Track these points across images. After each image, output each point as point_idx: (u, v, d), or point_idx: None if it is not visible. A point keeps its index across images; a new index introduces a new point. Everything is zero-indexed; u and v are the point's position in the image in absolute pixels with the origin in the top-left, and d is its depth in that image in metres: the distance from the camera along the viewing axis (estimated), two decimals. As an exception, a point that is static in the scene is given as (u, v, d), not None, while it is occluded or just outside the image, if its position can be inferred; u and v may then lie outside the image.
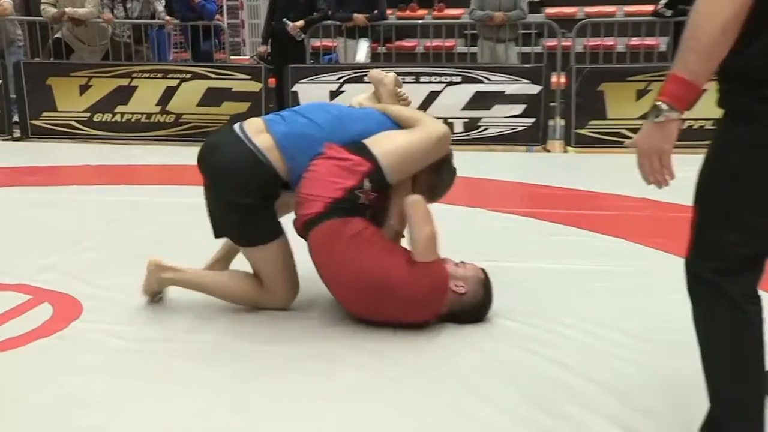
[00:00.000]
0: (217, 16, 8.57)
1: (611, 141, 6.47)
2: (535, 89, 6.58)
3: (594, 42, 7.49)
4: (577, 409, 2.03)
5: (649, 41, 7.47)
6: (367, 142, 2.59)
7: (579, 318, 2.64)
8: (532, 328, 2.56)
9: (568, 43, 7.46)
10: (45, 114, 7.14)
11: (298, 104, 6.82)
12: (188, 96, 6.97)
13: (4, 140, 7.14)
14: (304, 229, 2.53)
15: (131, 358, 2.36)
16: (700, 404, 1.69)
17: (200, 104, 6.96)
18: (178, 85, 6.99)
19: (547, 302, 2.79)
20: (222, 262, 2.85)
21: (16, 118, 7.29)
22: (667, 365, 2.29)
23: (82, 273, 3.12)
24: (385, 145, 2.57)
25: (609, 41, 7.56)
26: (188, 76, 6.98)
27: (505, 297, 2.72)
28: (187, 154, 6.35)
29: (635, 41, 7.54)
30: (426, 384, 2.17)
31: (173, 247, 3.45)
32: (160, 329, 2.58)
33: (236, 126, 2.66)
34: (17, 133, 7.26)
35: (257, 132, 2.57)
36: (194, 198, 4.36)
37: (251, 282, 2.66)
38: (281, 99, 7.20)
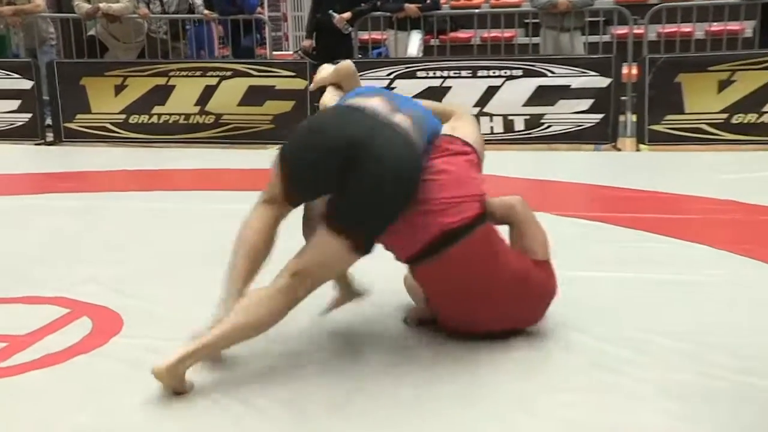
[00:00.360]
0: (258, 9, 8.69)
1: (690, 138, 6.36)
2: (604, 82, 6.50)
3: (669, 29, 7.36)
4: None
5: (733, 26, 7.31)
6: (452, 131, 2.63)
7: (659, 332, 2.59)
8: (609, 344, 2.51)
9: (641, 31, 7.34)
10: (79, 116, 7.33)
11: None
12: (229, 95, 7.08)
13: (36, 144, 7.35)
14: (448, 238, 2.38)
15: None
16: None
17: (241, 104, 7.06)
18: (218, 83, 7.10)
19: (624, 314, 2.75)
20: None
21: (48, 121, 7.51)
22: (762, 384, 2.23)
23: (121, 285, 3.18)
24: (468, 134, 2.64)
25: (686, 27, 7.42)
26: (229, 73, 7.09)
27: (578, 310, 2.69)
28: (228, 157, 6.62)
29: (717, 27, 7.37)
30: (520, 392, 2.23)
31: (213, 257, 3.51)
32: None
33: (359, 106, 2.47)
34: (50, 137, 7.47)
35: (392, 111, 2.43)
36: (236, 204, 4.46)
37: (273, 294, 2.31)
38: (327, 97, 7.24)
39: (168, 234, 4.02)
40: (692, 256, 3.46)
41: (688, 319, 2.72)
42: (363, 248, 2.33)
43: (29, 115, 7.40)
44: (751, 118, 6.24)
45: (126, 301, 2.99)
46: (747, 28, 7.54)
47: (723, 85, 6.27)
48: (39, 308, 2.93)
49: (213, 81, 7.11)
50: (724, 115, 6.29)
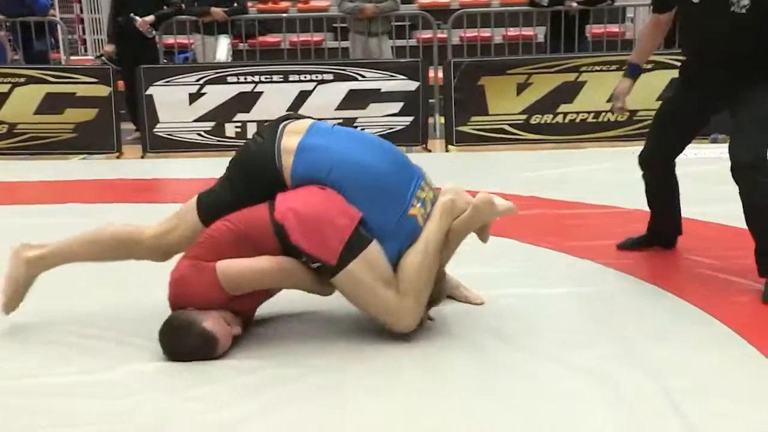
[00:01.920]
0: (50, 11, 8.30)
1: (494, 138, 6.80)
2: (412, 86, 6.80)
3: (471, 33, 7.83)
4: None
5: (527, 32, 7.90)
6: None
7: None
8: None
9: (444, 35, 7.77)
10: None
11: (154, 108, 6.75)
12: (23, 103, 6.75)
13: None
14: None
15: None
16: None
17: (38, 112, 6.75)
18: (10, 90, 6.74)
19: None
20: None
21: None
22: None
23: None
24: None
25: (485, 32, 7.94)
26: (22, 80, 6.76)
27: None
28: (26, 169, 6.28)
29: (513, 32, 7.95)
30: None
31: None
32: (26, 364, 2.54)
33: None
34: None
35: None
36: (40, 218, 4.30)
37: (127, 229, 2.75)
38: (133, 104, 7.07)
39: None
40: (497, 250, 3.73)
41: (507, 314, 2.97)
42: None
43: None
44: (547, 118, 6.79)
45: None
46: (539, 33, 8.16)
47: (521, 88, 6.76)
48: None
49: (4, 88, 6.74)
50: (524, 116, 6.78)
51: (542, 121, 6.78)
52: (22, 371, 2.51)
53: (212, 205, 2.66)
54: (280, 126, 2.70)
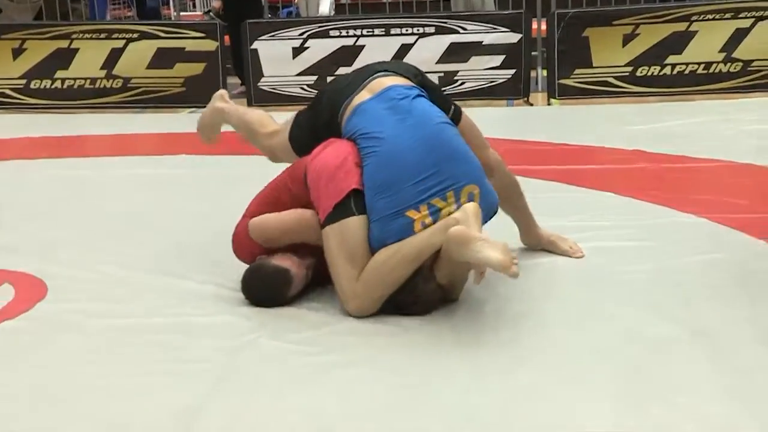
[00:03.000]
0: (162, -32, 8.54)
1: (598, 91, 6.63)
2: (514, 38, 6.68)
3: (576, -17, 7.61)
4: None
5: (636, -20, 7.60)
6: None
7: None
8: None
9: (549, -14, 7.56)
10: (-26, 82, 7.10)
11: (259, 62, 6.89)
12: (136, 58, 6.97)
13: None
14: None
15: (107, 339, 2.45)
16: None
17: (150, 66, 6.96)
18: (125, 46, 6.98)
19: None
20: None
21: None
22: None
23: (40, 251, 3.20)
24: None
25: (592, -18, 7.68)
26: (135, 35, 6.97)
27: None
28: (139, 122, 6.54)
29: (620, -19, 7.66)
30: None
31: (132, 222, 3.57)
32: (134, 307, 2.68)
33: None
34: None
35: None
36: (152, 169, 4.50)
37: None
38: (238, 58, 7.23)
39: (85, 201, 4.02)
40: (600, 203, 3.69)
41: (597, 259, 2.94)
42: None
43: None
44: (654, 70, 6.55)
45: (48, 268, 3.02)
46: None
47: (627, 39, 6.55)
48: (-44, 277, 2.93)
49: (119, 44, 6.98)
50: (629, 68, 6.58)
51: (649, 73, 6.56)
52: (130, 312, 2.65)
53: (298, 138, 2.85)
54: (368, 78, 2.75)
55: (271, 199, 2.75)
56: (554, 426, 1.91)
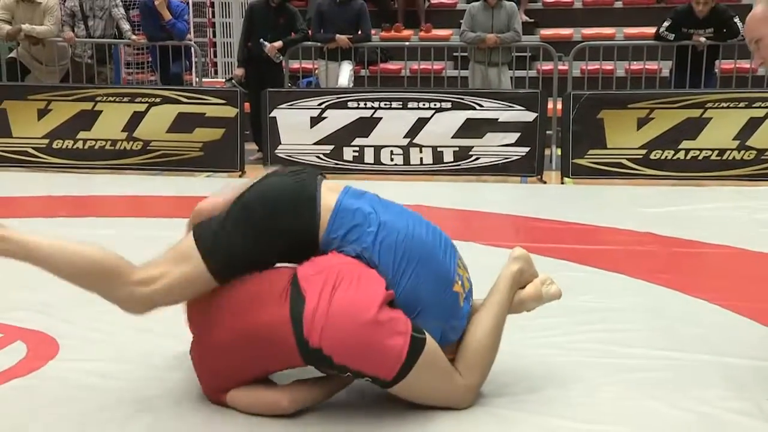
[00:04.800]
0: (188, 36, 8.79)
1: (611, 172, 6.71)
2: (530, 116, 6.81)
3: (592, 66, 7.79)
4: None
5: (651, 66, 7.79)
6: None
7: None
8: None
9: (565, 68, 7.76)
10: (-1, 140, 7.27)
11: (277, 130, 7.04)
12: (157, 122, 7.13)
13: (-47, 168, 7.24)
14: None
15: (118, 397, 2.48)
16: None
17: (170, 130, 7.12)
18: (147, 109, 7.15)
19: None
20: None
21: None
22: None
23: (53, 309, 3.24)
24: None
25: (608, 65, 7.87)
26: (157, 100, 7.15)
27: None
28: (156, 184, 6.65)
29: (636, 66, 7.85)
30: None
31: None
32: (146, 366, 2.71)
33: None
34: (-33, 160, 7.37)
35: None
36: (166, 231, 4.55)
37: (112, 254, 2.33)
38: (257, 125, 7.39)
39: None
40: (610, 285, 3.72)
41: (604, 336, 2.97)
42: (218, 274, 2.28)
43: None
44: (668, 154, 6.65)
45: (60, 325, 3.06)
46: (664, 68, 8.02)
47: (642, 122, 6.66)
48: (-32, 334, 2.97)
49: (141, 107, 7.16)
50: (643, 151, 6.67)
51: (663, 157, 6.65)
52: (143, 375, 2.67)
53: (225, 253, 2.28)
54: (318, 176, 2.44)
55: (228, 354, 2.28)
56: None
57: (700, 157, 6.62)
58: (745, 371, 2.69)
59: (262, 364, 2.29)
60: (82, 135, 7.19)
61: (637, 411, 2.41)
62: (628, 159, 6.70)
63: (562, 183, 6.82)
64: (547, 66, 8.14)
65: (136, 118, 7.15)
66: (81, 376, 2.61)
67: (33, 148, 7.25)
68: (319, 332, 2.14)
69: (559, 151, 7.12)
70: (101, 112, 7.17)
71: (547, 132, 7.19)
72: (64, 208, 5.44)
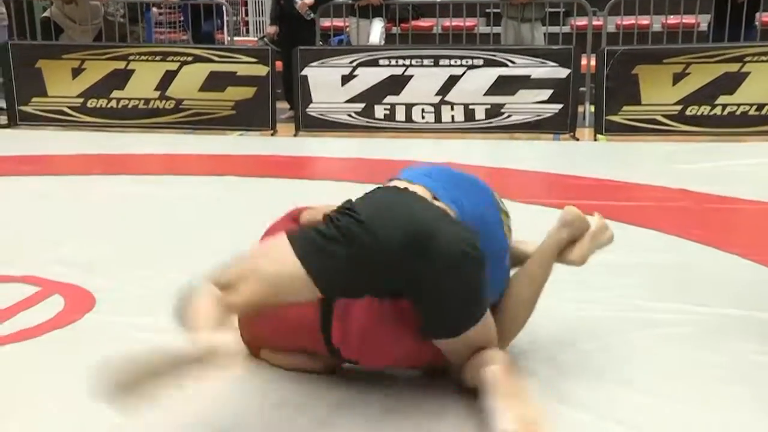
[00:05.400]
0: (219, -7, 8.77)
1: (645, 128, 6.63)
2: (563, 73, 6.73)
3: (627, 21, 7.65)
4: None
5: (688, 19, 7.62)
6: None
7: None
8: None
9: (599, 23, 7.63)
10: (35, 99, 7.36)
11: (308, 88, 7.03)
12: (189, 80, 7.17)
13: (-11, 127, 7.37)
14: None
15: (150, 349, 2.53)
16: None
17: (202, 89, 7.16)
18: (179, 68, 7.19)
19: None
20: None
21: (2, 104, 7.52)
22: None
23: (90, 265, 3.30)
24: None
25: (644, 20, 7.72)
26: (189, 59, 7.18)
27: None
28: (189, 142, 6.72)
29: (673, 20, 7.69)
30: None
31: (178, 240, 3.67)
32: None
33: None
34: (4, 119, 7.48)
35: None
36: (199, 189, 4.62)
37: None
38: (288, 84, 7.39)
39: (133, 218, 4.14)
40: (642, 241, 3.70)
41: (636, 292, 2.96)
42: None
43: (-20, 98, 7.43)
44: (704, 110, 6.54)
45: (97, 281, 3.11)
46: (702, 22, 7.85)
47: (678, 77, 6.55)
48: (8, 287, 3.04)
49: (174, 66, 7.20)
50: (678, 107, 6.57)
51: (699, 113, 6.55)
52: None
53: (332, 278, 2.02)
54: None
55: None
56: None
57: (737, 113, 6.51)
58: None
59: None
60: (115, 94, 7.27)
61: (677, 364, 2.41)
62: (663, 115, 6.61)
63: (596, 140, 6.75)
64: (581, 21, 8.00)
65: (169, 77, 7.19)
66: (119, 329, 2.67)
67: (68, 107, 7.34)
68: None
69: (592, 108, 7.04)
70: (134, 71, 7.23)
71: (581, 89, 7.11)
72: (99, 166, 5.51)
